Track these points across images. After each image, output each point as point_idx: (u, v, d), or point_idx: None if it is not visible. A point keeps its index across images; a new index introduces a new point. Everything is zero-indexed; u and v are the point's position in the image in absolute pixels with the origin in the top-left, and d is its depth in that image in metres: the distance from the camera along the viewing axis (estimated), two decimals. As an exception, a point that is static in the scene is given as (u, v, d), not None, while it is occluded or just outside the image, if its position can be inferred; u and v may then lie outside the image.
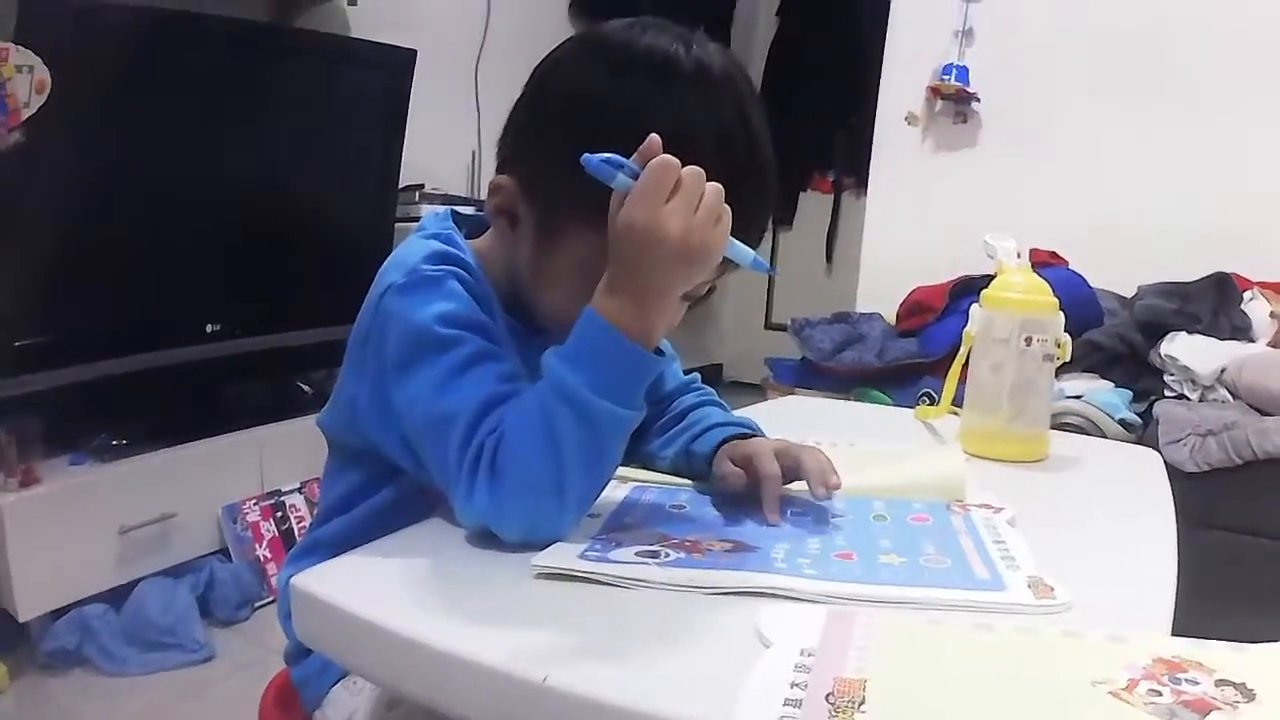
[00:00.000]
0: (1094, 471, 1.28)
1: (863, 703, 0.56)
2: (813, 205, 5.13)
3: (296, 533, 2.50)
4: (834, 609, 0.69)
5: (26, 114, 2.02)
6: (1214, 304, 2.71)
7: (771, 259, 5.17)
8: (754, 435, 1.02)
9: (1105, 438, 2.33)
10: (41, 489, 2.14)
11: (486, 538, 0.78)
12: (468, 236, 0.97)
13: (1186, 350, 2.60)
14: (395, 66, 2.97)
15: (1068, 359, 1.30)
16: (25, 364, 2.15)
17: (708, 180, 0.77)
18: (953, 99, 3.38)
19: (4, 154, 2.02)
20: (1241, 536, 2.25)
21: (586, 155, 0.76)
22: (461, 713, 0.63)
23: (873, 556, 0.81)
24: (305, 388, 2.77)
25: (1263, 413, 2.38)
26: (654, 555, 0.77)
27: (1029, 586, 0.76)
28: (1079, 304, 2.68)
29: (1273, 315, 2.67)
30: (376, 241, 3.00)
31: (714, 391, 1.15)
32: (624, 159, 0.77)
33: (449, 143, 3.59)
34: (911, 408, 1.52)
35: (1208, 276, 2.77)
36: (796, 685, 0.57)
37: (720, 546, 0.81)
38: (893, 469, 1.08)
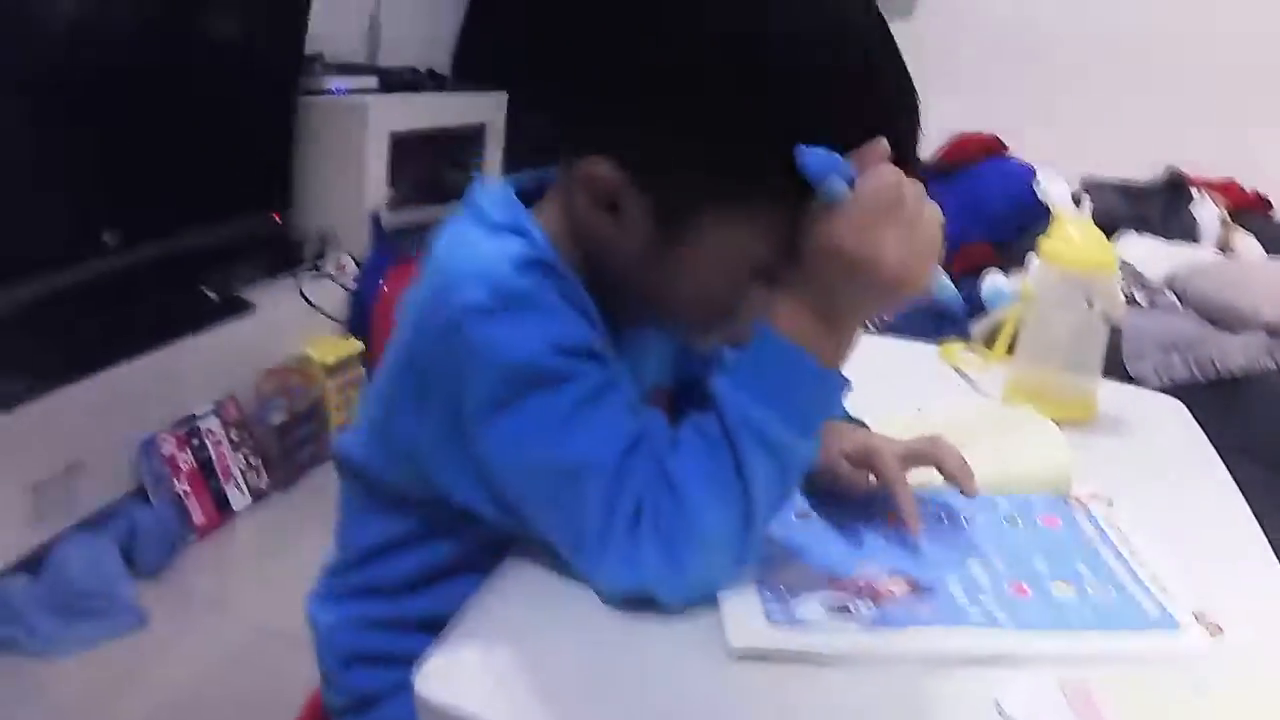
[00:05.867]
0: (1140, 436, 1.29)
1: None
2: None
3: (214, 459, 2.40)
4: (1065, 680, 0.69)
5: None
6: (1164, 205, 2.79)
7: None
8: (852, 421, 0.97)
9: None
10: (-64, 457, 1.95)
11: (627, 599, 0.71)
12: (524, 203, 0.80)
13: (1137, 252, 2.69)
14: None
15: (1121, 314, 1.32)
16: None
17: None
18: (891, -23, 3.33)
19: None
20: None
21: (801, 149, 0.67)
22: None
23: (1043, 587, 0.82)
24: (211, 294, 2.60)
25: (1214, 323, 2.49)
26: (845, 610, 0.74)
27: (1200, 624, 0.78)
28: (1028, 202, 2.72)
29: (1224, 222, 2.76)
30: (281, 122, 2.86)
31: None
32: (840, 158, 0.67)
33: (344, 6, 3.36)
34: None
35: (1161, 177, 2.84)
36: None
37: (899, 588, 0.79)
38: (992, 454, 1.05)
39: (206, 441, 2.40)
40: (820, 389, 0.72)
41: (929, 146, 2.92)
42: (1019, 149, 2.93)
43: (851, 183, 0.67)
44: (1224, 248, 2.80)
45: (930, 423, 1.16)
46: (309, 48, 2.99)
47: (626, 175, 0.73)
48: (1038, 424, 1.18)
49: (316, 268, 2.94)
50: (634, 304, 0.80)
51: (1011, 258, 2.61)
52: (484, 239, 0.76)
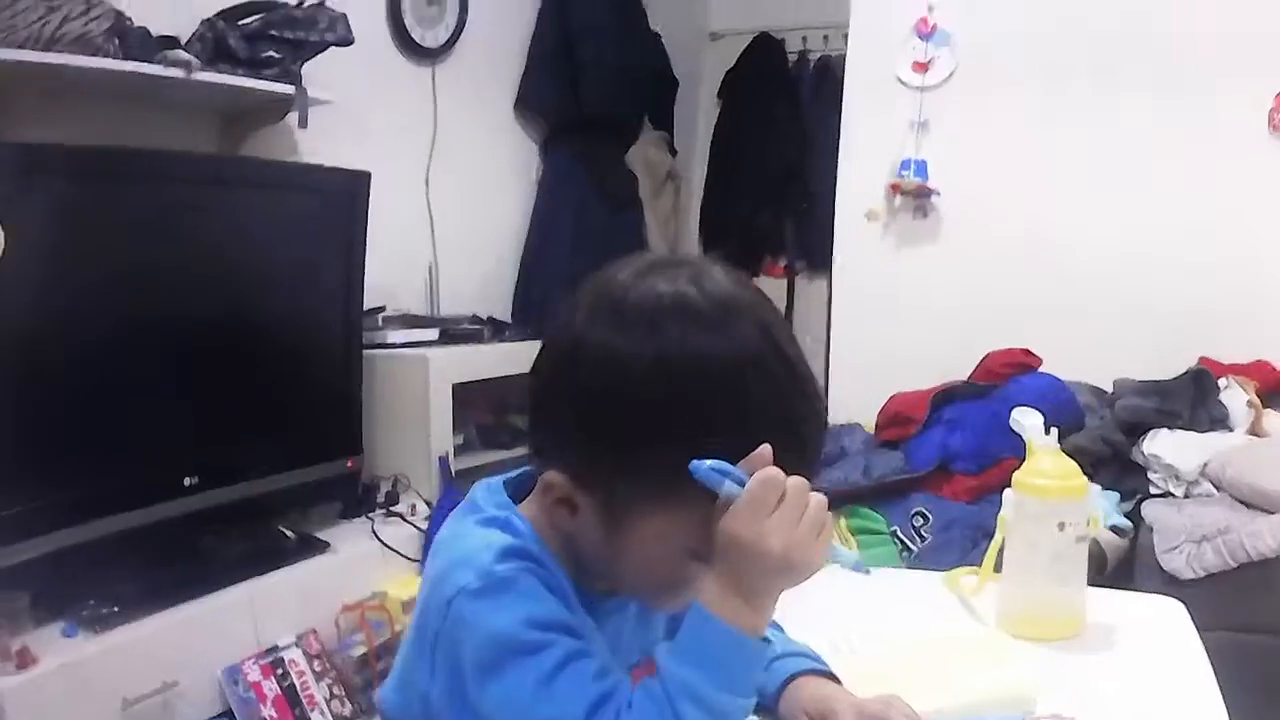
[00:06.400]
0: (1127, 646, 1.39)
1: None
2: (767, 291, 5.18)
3: (299, 688, 2.57)
4: None
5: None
6: (1193, 398, 2.91)
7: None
8: (821, 671, 1.12)
9: (1100, 547, 2.48)
10: (40, 669, 2.13)
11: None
12: (516, 499, 0.98)
13: (1169, 448, 2.80)
14: (350, 190, 3.05)
15: (1097, 532, 1.45)
16: (5, 537, 2.18)
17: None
18: (912, 194, 3.54)
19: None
20: (1240, 635, 2.43)
21: (695, 463, 0.83)
22: None
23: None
24: (288, 533, 2.85)
25: (1249, 506, 2.58)
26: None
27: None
28: (1061, 411, 2.84)
29: (1250, 404, 2.87)
30: (346, 375, 3.10)
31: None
32: (731, 466, 0.84)
33: (405, 259, 3.68)
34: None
35: (1186, 372, 2.98)
36: None
37: None
38: (961, 684, 1.19)
39: (290, 671, 2.57)
40: (739, 652, 0.87)
41: (965, 368, 3.11)
42: (1049, 359, 3.09)
43: (744, 484, 0.84)
44: (1255, 431, 2.89)
45: (904, 655, 1.30)
46: (373, 300, 3.27)
47: (573, 482, 0.90)
48: (1002, 647, 1.31)
49: (389, 510, 3.16)
50: (602, 580, 0.98)
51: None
52: (476, 531, 0.93)
